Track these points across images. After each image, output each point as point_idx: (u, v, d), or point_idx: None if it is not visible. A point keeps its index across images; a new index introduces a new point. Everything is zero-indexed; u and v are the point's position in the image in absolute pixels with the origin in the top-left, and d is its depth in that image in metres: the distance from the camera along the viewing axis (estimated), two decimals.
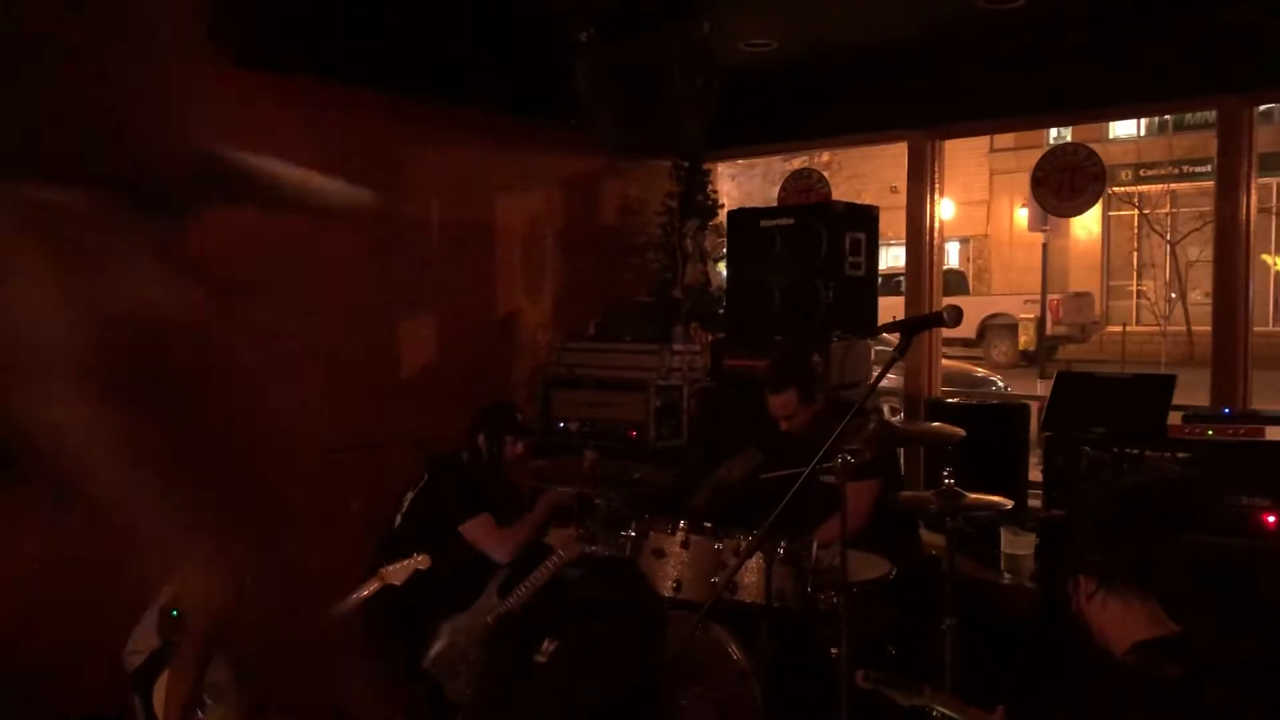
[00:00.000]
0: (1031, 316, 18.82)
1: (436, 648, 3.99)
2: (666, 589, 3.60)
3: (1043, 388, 5.27)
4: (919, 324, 3.03)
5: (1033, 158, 5.33)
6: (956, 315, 2.86)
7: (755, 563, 3.47)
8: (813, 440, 3.68)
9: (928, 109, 5.45)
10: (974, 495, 3.65)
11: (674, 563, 3.66)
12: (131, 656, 3.87)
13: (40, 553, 4.19)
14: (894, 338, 3.19)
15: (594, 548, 3.81)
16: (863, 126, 5.85)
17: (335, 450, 5.06)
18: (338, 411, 5.13)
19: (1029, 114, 5.35)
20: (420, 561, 3.83)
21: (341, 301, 5.17)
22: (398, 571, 3.80)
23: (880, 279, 6.08)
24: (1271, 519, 3.66)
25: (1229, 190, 4.64)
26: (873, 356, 5.59)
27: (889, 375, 4.59)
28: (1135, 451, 3.97)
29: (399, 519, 4.34)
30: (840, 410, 4.05)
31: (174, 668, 3.73)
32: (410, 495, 4.36)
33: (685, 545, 3.66)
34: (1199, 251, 18.81)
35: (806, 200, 6.17)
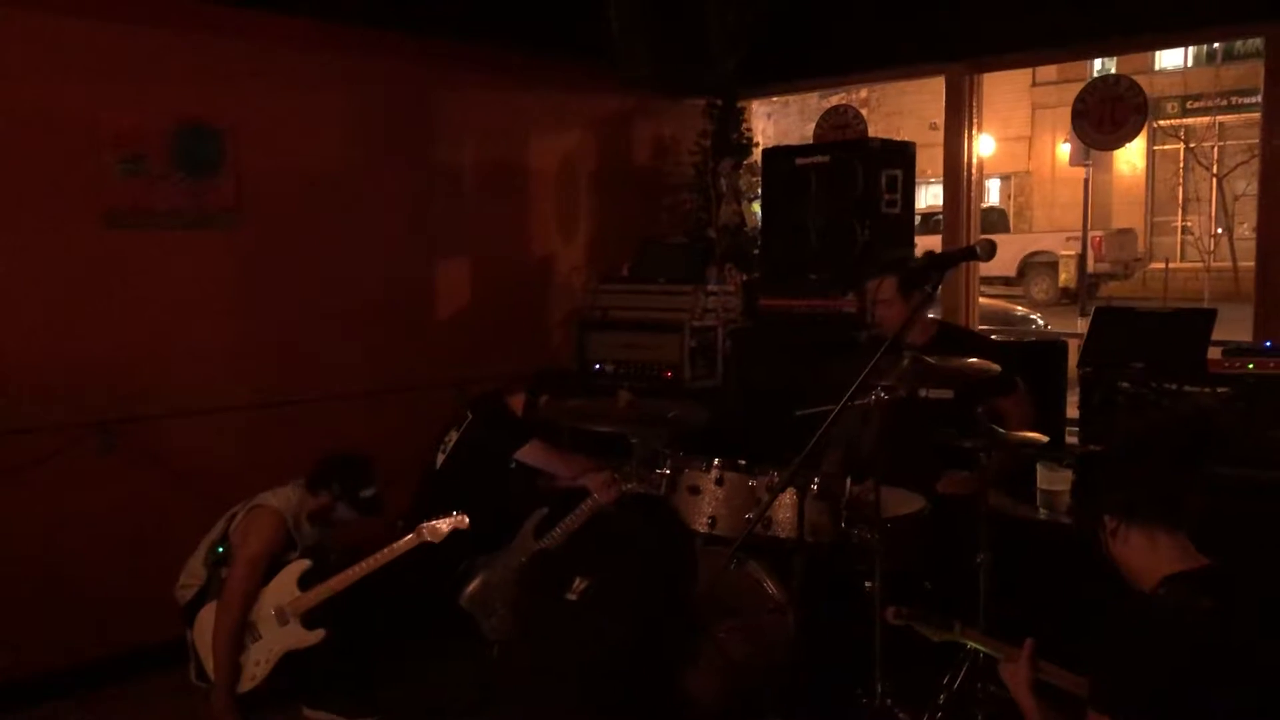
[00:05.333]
0: (1073, 254, 18.53)
1: (472, 586, 4.06)
2: (701, 525, 3.64)
3: (1083, 326, 5.25)
4: (952, 258, 3.00)
5: (1076, 92, 5.21)
6: (990, 249, 2.83)
7: (789, 498, 3.50)
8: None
9: (965, 42, 5.34)
10: (1009, 431, 3.65)
11: (709, 499, 3.69)
12: (182, 590, 3.99)
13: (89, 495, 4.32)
14: None
15: (630, 486, 3.85)
16: (899, 61, 5.74)
17: (375, 393, 5.15)
18: (376, 356, 5.20)
19: (1069, 45, 5.22)
20: (460, 521, 3.88)
21: (378, 246, 5.21)
22: (438, 529, 3.87)
23: (919, 217, 6.01)
24: None
25: (1276, 121, 4.52)
26: None
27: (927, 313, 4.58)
28: (1173, 387, 3.93)
29: (441, 458, 4.39)
30: (956, 341, 4.04)
31: (221, 602, 3.84)
32: (454, 434, 4.40)
33: (720, 482, 3.70)
34: (1246, 185, 18.41)
35: (843, 137, 6.10)
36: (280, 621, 3.90)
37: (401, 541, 3.90)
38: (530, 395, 4.38)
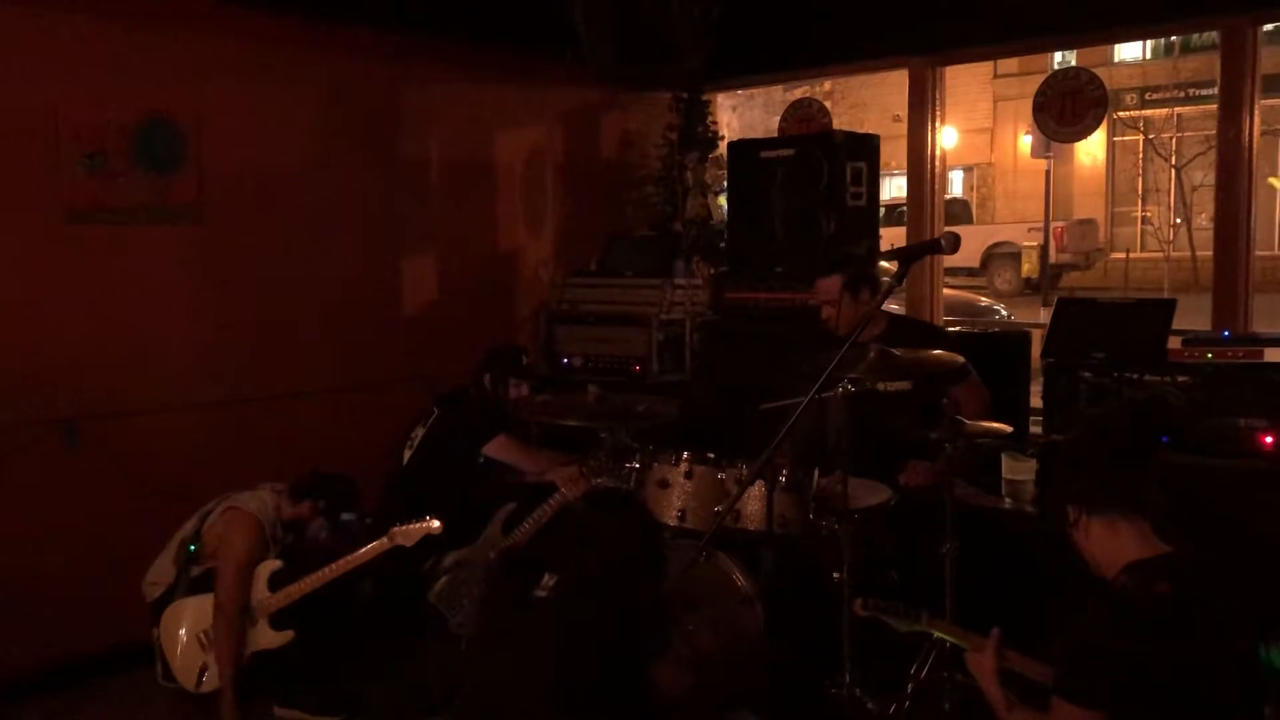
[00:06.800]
0: (1035, 244, 18.74)
1: (440, 582, 4.05)
2: (671, 518, 3.65)
3: (1045, 316, 5.31)
4: (916, 251, 3.03)
5: (1037, 84, 5.26)
6: (954, 241, 2.86)
7: (757, 491, 3.52)
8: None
9: (928, 35, 5.37)
10: (974, 422, 3.69)
11: (678, 493, 3.70)
12: (150, 587, 3.95)
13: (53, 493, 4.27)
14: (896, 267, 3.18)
15: (599, 481, 3.85)
16: (862, 54, 5.77)
17: (341, 389, 5.12)
18: (342, 351, 5.17)
19: (1030, 37, 5.27)
20: (433, 527, 3.86)
21: (344, 241, 5.18)
22: (409, 534, 3.84)
23: (883, 209, 6.04)
24: (1269, 440, 3.69)
25: (1232, 112, 4.60)
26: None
27: (891, 305, 4.62)
28: (1135, 376, 3.99)
29: (408, 455, 4.38)
30: (908, 332, 4.06)
31: (216, 610, 3.80)
32: (420, 430, 4.39)
33: (689, 475, 3.71)
34: (1204, 176, 18.60)
35: (807, 130, 6.12)
36: (249, 621, 3.87)
37: (372, 545, 3.88)
38: (492, 375, 4.42)
